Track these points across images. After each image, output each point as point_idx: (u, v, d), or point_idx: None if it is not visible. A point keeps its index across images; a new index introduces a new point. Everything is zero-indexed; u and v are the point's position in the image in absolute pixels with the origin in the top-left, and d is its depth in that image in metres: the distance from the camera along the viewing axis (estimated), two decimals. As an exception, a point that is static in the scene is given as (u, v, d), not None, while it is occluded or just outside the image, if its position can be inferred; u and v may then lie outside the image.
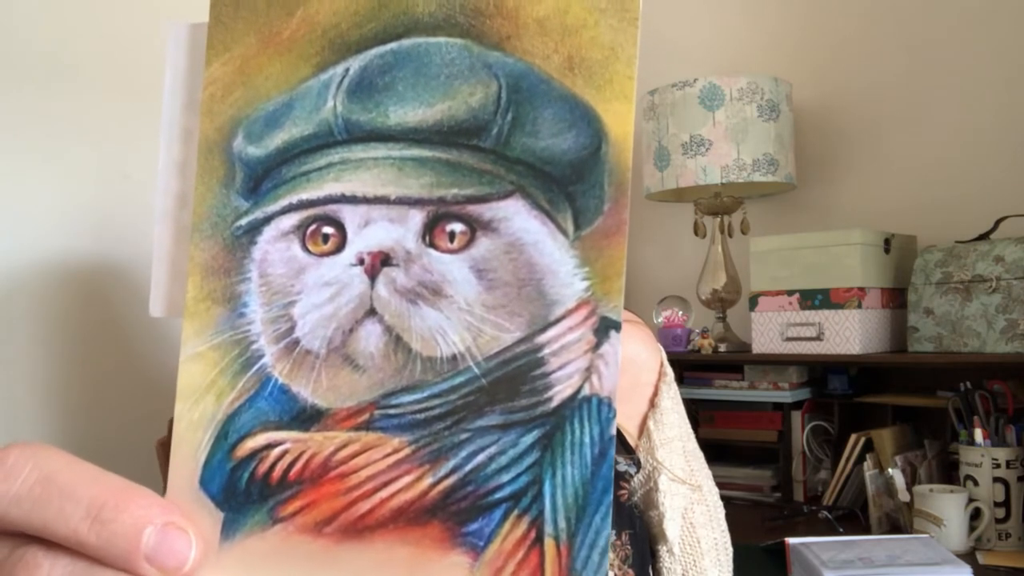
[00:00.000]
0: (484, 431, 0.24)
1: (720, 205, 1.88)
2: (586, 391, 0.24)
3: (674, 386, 0.74)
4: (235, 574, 0.25)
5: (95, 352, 1.30)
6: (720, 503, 0.76)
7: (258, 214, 0.27)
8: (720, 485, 0.78)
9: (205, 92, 0.27)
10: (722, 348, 1.83)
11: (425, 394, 0.25)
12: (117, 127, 1.31)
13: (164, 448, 1.17)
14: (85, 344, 1.29)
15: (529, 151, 0.25)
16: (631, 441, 0.71)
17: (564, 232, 0.25)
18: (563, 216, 0.25)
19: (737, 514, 1.46)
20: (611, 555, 0.69)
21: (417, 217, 0.26)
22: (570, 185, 0.25)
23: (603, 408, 0.24)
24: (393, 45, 0.26)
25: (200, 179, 0.27)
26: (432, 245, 0.25)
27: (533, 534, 0.24)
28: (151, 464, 1.20)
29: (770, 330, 1.72)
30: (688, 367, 1.85)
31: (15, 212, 1.20)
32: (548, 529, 0.24)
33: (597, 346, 0.24)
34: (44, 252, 1.24)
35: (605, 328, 0.24)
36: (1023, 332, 1.46)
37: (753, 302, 1.75)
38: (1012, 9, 1.70)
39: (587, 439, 0.24)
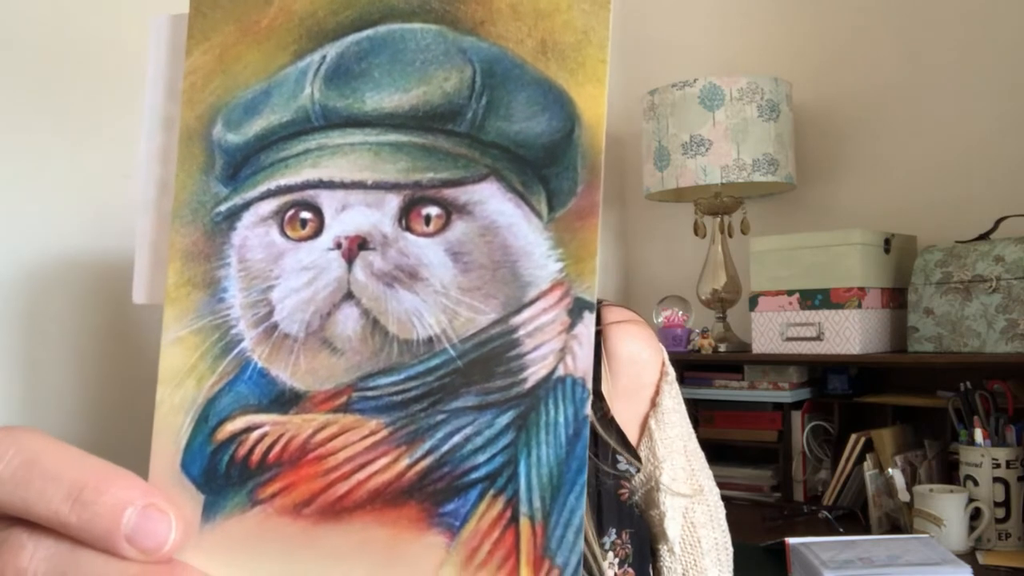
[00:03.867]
0: (460, 412, 0.25)
1: (720, 205, 1.88)
2: (560, 372, 0.24)
3: (675, 386, 0.74)
4: (215, 556, 0.25)
5: (105, 348, 1.31)
6: (721, 503, 0.76)
7: (237, 200, 0.27)
8: (720, 485, 0.78)
9: (186, 81, 0.28)
10: (722, 348, 1.83)
11: (402, 376, 0.25)
12: (117, 127, 1.31)
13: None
14: (95, 340, 1.30)
15: (503, 135, 0.25)
16: (632, 440, 0.71)
17: (538, 214, 0.25)
18: (537, 198, 0.25)
19: (737, 514, 1.45)
20: (611, 554, 0.69)
21: (393, 201, 0.26)
22: (544, 168, 0.25)
23: (577, 388, 0.24)
24: (369, 32, 0.26)
25: (181, 167, 0.27)
26: (408, 229, 0.26)
27: (508, 514, 0.24)
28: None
29: (770, 330, 1.72)
30: (688, 367, 1.85)
31: (14, 212, 1.20)
32: (523, 509, 0.24)
33: (571, 327, 0.24)
34: (45, 252, 1.24)
35: (579, 309, 0.24)
36: (1023, 332, 1.46)
37: (753, 302, 1.75)
38: (1012, 9, 1.70)
39: (562, 419, 0.24)
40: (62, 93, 1.26)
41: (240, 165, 0.27)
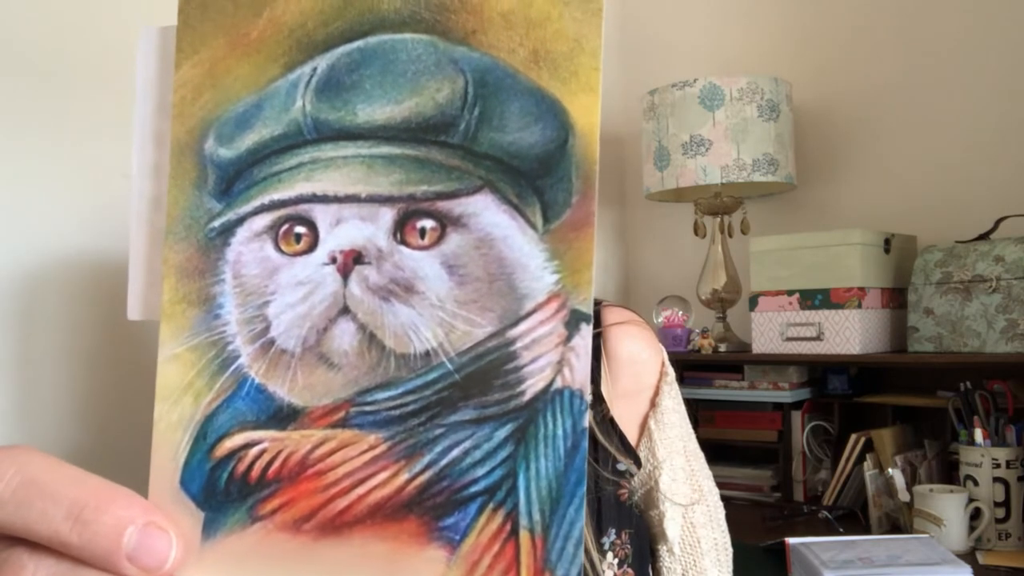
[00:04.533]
0: (458, 426, 0.25)
1: (720, 205, 1.88)
2: (558, 384, 0.24)
3: (675, 386, 0.74)
4: (216, 573, 0.25)
5: (107, 351, 1.31)
6: (720, 503, 0.76)
7: (231, 215, 0.27)
8: (720, 485, 0.78)
9: (176, 95, 0.27)
10: (722, 348, 1.83)
11: (399, 390, 0.25)
12: (117, 127, 1.31)
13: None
14: (97, 343, 1.30)
15: (497, 146, 0.25)
16: (632, 441, 0.71)
17: (533, 226, 0.25)
18: (532, 210, 0.25)
19: (737, 514, 1.45)
20: (610, 554, 0.69)
21: (388, 215, 0.26)
22: (538, 179, 0.25)
23: (575, 401, 0.24)
24: (360, 43, 0.26)
25: (173, 182, 0.27)
26: (403, 242, 0.25)
27: (508, 527, 0.24)
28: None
29: (770, 330, 1.72)
30: (688, 367, 1.85)
31: (16, 213, 1.20)
32: (523, 522, 0.24)
33: (568, 339, 0.24)
34: (46, 252, 1.24)
35: (576, 321, 0.24)
36: (1023, 332, 1.46)
37: (753, 302, 1.75)
38: (1012, 9, 1.70)
39: (560, 432, 0.24)
40: (62, 93, 1.26)
41: (233, 180, 0.27)
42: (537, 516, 0.24)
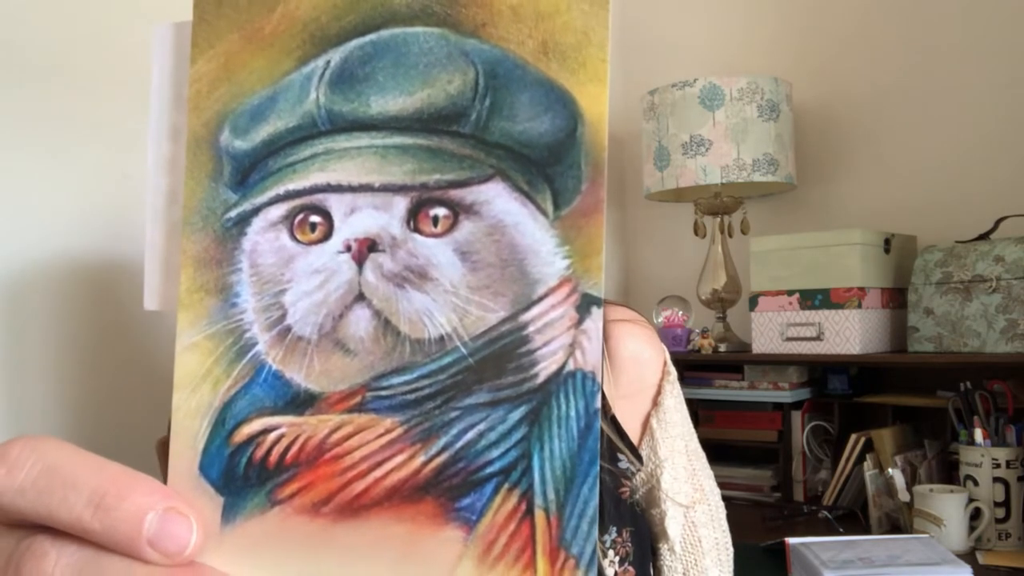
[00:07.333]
0: (473, 409, 0.25)
1: (720, 205, 1.88)
2: (570, 366, 0.25)
3: (677, 385, 0.74)
4: (236, 557, 0.25)
5: (102, 350, 1.31)
6: (721, 503, 0.76)
7: (246, 206, 0.27)
8: (720, 485, 0.78)
9: (191, 89, 0.28)
10: (722, 348, 1.83)
11: (415, 375, 0.25)
12: (117, 127, 1.31)
13: (164, 447, 1.17)
14: (92, 342, 1.30)
15: (507, 135, 0.26)
16: (634, 439, 0.71)
17: (544, 213, 0.25)
18: (542, 197, 0.25)
19: (737, 514, 1.45)
20: (611, 552, 0.69)
21: (401, 203, 0.26)
22: (548, 167, 0.25)
23: (587, 382, 0.25)
24: (372, 36, 0.27)
25: (189, 174, 0.28)
26: (417, 230, 0.26)
27: (524, 507, 0.24)
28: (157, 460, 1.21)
29: (770, 330, 1.72)
30: (688, 367, 1.85)
31: (16, 212, 1.20)
32: (538, 501, 0.24)
33: (580, 322, 0.25)
34: (45, 252, 1.24)
35: (587, 304, 0.25)
36: (1023, 332, 1.46)
37: (753, 302, 1.75)
38: (1013, 9, 1.70)
39: (573, 413, 0.25)
40: (62, 94, 1.26)
41: (248, 171, 0.27)
42: (552, 496, 0.24)
